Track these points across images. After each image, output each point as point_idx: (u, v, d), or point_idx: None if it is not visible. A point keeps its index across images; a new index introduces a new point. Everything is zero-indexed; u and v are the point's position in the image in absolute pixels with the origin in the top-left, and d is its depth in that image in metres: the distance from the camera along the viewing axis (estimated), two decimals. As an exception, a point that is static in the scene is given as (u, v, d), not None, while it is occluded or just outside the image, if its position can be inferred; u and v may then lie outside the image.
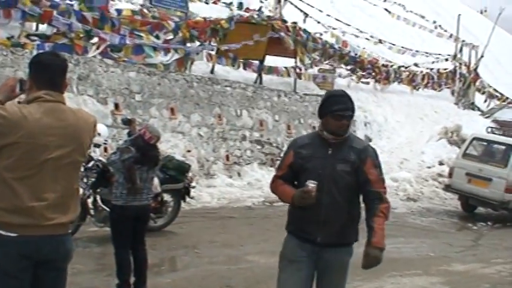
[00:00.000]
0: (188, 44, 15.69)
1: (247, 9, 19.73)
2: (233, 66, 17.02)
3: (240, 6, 20.15)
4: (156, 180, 6.95)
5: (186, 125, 13.64)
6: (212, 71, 16.56)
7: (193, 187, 9.96)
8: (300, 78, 19.42)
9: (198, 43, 16.03)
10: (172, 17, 15.75)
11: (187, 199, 9.75)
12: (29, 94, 3.35)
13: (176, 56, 15.23)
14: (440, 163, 17.67)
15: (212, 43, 16.50)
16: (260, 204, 12.47)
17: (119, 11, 14.44)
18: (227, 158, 14.31)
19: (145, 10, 15.33)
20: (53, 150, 3.26)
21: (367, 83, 23.61)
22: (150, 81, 13.26)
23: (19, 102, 3.40)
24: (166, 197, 9.09)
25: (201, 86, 14.42)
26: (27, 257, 3.24)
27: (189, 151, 13.29)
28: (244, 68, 17.53)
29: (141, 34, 14.64)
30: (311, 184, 3.88)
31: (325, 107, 4.12)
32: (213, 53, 16.49)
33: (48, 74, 3.36)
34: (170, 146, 12.90)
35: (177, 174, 9.23)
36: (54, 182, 3.29)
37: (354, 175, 4.05)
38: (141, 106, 12.89)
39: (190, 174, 9.73)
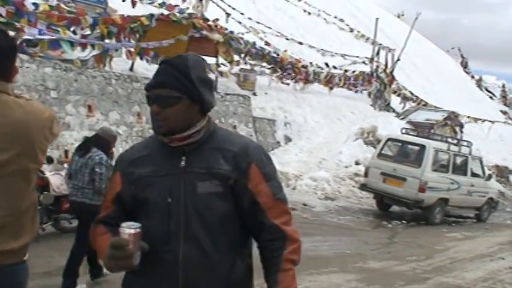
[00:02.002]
0: (107, 40, 15.34)
1: (169, 7, 19.50)
2: (156, 63, 16.79)
3: (162, 4, 19.90)
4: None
5: (104, 123, 13.29)
6: (131, 69, 16.26)
7: (111, 186, 9.75)
8: (222, 77, 19.42)
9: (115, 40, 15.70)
10: (90, 13, 15.33)
11: (105, 198, 9.55)
12: None
13: (94, 52, 14.85)
14: (357, 163, 18.12)
15: (132, 40, 16.21)
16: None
17: (35, 5, 13.91)
18: (146, 157, 14.05)
19: (62, 5, 14.85)
20: None
21: (288, 83, 23.90)
22: (66, 77, 12.87)
23: None
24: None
25: (120, 83, 14.14)
26: None
27: (107, 150, 12.98)
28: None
29: (58, 29, 14.18)
30: (127, 230, 2.15)
31: None
32: (133, 50, 16.21)
33: None
34: (87, 144, 12.55)
35: (94, 174, 9.02)
36: None
37: (230, 199, 2.30)
38: (57, 103, 12.49)
39: (107, 173, 9.53)
